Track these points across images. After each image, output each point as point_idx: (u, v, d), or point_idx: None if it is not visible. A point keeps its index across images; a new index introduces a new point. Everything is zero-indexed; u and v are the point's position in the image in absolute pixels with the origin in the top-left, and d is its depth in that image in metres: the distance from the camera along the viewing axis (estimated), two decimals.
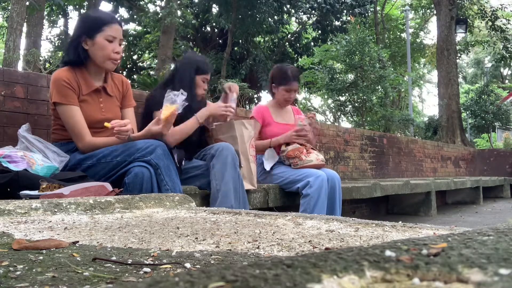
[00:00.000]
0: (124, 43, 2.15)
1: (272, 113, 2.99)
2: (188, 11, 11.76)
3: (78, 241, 0.84)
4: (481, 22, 14.55)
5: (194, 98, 2.38)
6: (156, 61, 12.88)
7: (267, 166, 2.80)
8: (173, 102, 2.01)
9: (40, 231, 0.96)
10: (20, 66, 7.06)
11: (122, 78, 2.19)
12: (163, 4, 13.18)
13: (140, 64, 16.26)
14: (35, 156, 1.77)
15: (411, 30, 17.64)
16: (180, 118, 2.26)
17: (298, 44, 14.58)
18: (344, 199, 2.87)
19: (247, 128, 2.52)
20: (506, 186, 8.18)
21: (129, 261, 0.67)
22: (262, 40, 15.38)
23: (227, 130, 2.46)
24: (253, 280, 0.33)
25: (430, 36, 30.63)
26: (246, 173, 2.47)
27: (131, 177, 1.77)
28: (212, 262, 0.68)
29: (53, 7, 13.37)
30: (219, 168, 2.17)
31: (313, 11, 13.20)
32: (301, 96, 17.23)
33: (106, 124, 1.85)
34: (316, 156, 2.79)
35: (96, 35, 1.93)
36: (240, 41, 13.43)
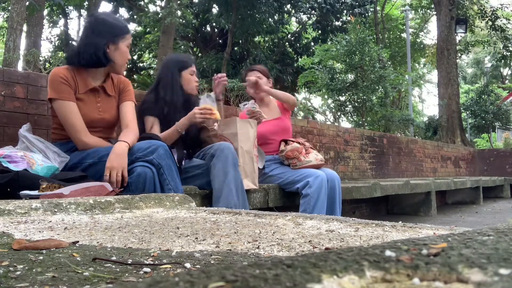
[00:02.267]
0: None
1: None
2: (188, 11, 11.76)
3: (78, 241, 0.84)
4: (481, 22, 14.55)
5: (180, 95, 2.41)
6: (156, 61, 12.89)
7: (260, 165, 2.77)
8: (212, 103, 2.30)
9: (40, 231, 0.96)
10: (20, 66, 7.06)
11: (122, 77, 2.18)
12: (163, 4, 13.19)
13: (140, 64, 16.27)
14: (35, 156, 1.77)
15: (411, 30, 17.64)
16: (170, 118, 2.29)
17: (298, 44, 14.58)
18: (344, 199, 2.87)
19: (252, 127, 2.53)
20: (506, 186, 8.18)
21: (129, 261, 0.67)
22: (262, 40, 15.38)
23: (230, 127, 2.47)
24: (253, 280, 0.33)
25: (430, 36, 30.64)
26: (249, 172, 2.47)
27: (134, 177, 1.77)
28: (212, 262, 0.68)
29: (53, 7, 13.37)
30: (221, 167, 2.17)
31: (313, 11, 13.20)
32: (301, 96, 17.23)
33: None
34: (315, 156, 2.77)
35: (120, 42, 2.01)
36: (240, 41, 13.43)
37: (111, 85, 2.10)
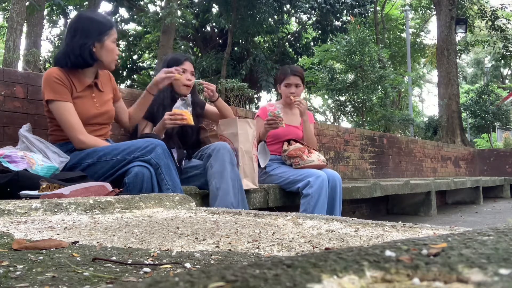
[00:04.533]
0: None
1: None
2: (188, 11, 11.75)
3: (78, 241, 0.84)
4: (481, 22, 14.55)
5: (167, 93, 2.39)
6: (156, 61, 12.88)
7: (262, 163, 2.78)
8: (186, 107, 2.21)
9: (40, 231, 0.96)
10: (20, 66, 7.05)
11: (107, 72, 2.21)
12: (163, 4, 13.18)
13: (140, 64, 16.27)
14: (35, 156, 1.77)
15: (411, 30, 17.63)
16: (158, 117, 2.30)
17: (298, 44, 14.58)
18: (344, 199, 2.87)
19: (251, 127, 2.53)
20: (506, 186, 8.18)
21: (129, 261, 0.67)
22: (262, 40, 15.38)
23: (230, 127, 2.47)
24: (253, 280, 0.33)
25: (430, 36, 30.66)
26: (249, 172, 2.47)
27: (131, 177, 1.77)
28: (212, 262, 0.68)
29: (53, 7, 13.37)
30: (218, 167, 2.17)
31: (313, 11, 13.19)
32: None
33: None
34: (317, 157, 2.80)
35: (105, 39, 2.00)
36: (240, 41, 13.43)
37: (101, 81, 2.14)
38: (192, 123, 2.19)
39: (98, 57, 2.00)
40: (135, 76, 15.06)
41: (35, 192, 1.50)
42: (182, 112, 2.15)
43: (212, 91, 2.46)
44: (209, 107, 2.67)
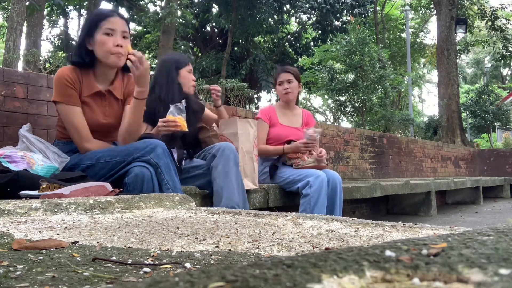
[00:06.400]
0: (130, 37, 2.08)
1: (278, 114, 2.98)
2: (188, 11, 11.75)
3: (78, 241, 0.84)
4: (481, 22, 14.55)
5: (177, 93, 2.38)
6: (156, 61, 12.87)
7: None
8: (180, 113, 2.15)
9: (40, 231, 0.96)
10: (20, 66, 7.05)
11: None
12: (163, 4, 13.18)
13: None
14: (35, 156, 1.77)
15: (411, 30, 17.64)
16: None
17: (298, 44, 14.59)
18: (344, 199, 2.87)
19: (252, 128, 2.54)
20: (506, 186, 8.18)
21: (129, 261, 0.67)
22: (262, 40, 15.38)
23: (230, 127, 2.47)
24: (253, 280, 0.33)
25: (430, 36, 30.67)
26: (249, 172, 2.47)
27: (132, 177, 1.76)
28: (212, 262, 0.68)
29: (53, 7, 13.37)
30: (222, 167, 2.17)
31: (313, 11, 13.19)
32: (301, 96, 17.23)
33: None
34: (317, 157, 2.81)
35: (95, 33, 1.87)
36: (240, 41, 13.43)
37: (121, 86, 2.02)
38: (186, 129, 2.15)
39: (95, 54, 1.89)
40: None
41: (35, 192, 1.50)
42: (176, 119, 2.11)
43: (220, 92, 2.60)
44: (207, 112, 2.67)
